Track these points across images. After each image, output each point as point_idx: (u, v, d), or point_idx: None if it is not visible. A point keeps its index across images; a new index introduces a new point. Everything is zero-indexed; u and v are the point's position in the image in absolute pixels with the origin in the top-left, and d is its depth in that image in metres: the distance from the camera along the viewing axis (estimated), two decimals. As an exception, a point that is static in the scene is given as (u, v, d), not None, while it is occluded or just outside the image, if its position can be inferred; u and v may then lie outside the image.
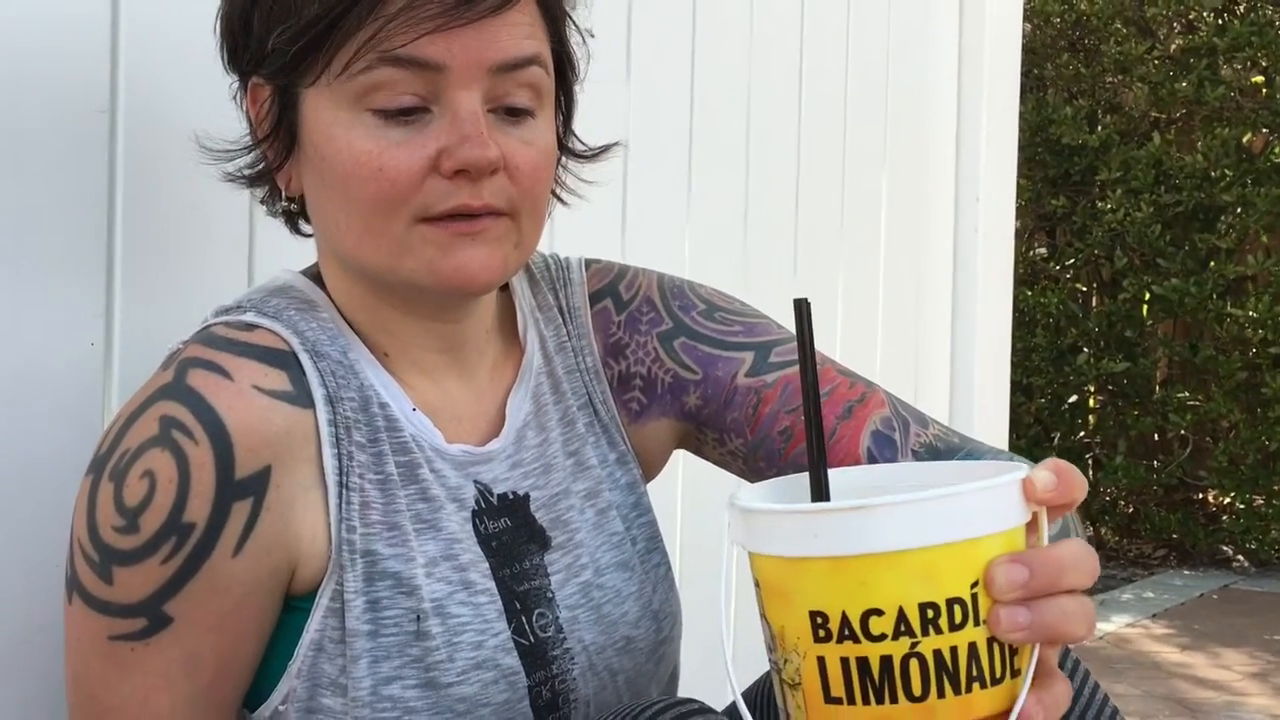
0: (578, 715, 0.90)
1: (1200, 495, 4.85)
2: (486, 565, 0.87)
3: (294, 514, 0.81)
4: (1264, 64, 4.49)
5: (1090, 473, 4.79)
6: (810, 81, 1.97)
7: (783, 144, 1.93)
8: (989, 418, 2.44)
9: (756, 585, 0.66)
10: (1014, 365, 4.59)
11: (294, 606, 0.84)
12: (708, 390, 0.97)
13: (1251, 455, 4.40)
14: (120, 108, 1.02)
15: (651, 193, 1.67)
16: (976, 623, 0.61)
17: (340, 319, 0.88)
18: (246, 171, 0.90)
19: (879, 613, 0.60)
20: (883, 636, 0.60)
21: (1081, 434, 4.84)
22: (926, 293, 2.35)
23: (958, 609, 0.61)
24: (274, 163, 0.87)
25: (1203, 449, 4.62)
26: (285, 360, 0.83)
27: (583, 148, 0.96)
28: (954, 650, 0.61)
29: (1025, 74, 4.75)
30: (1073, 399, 4.77)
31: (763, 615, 0.65)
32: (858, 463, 0.92)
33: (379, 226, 0.82)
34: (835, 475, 0.69)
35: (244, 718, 0.86)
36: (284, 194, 0.89)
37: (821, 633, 0.61)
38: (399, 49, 0.79)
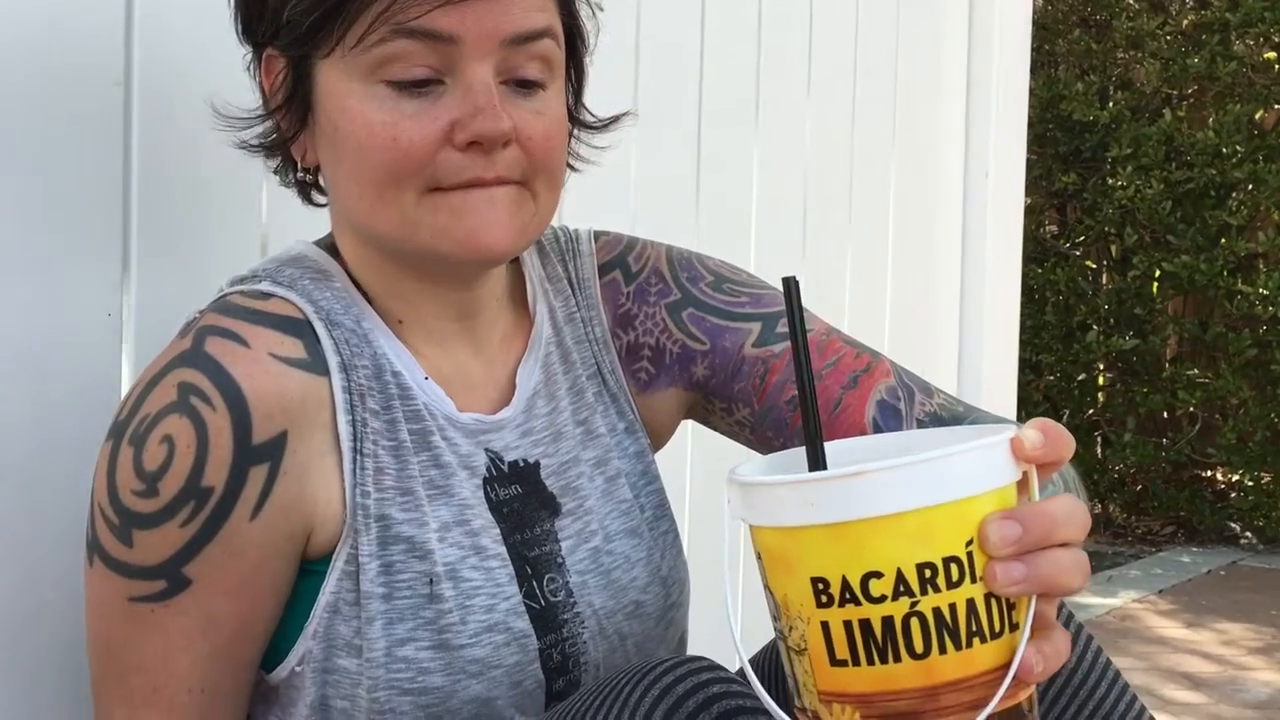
0: (588, 678, 0.91)
1: (1208, 472, 4.85)
2: (498, 531, 0.89)
3: (310, 479, 0.83)
4: (1276, 40, 4.46)
5: (1099, 450, 4.80)
6: (819, 58, 1.97)
7: (791, 121, 1.93)
8: (997, 395, 2.45)
9: (759, 557, 0.67)
10: (1023, 342, 4.60)
11: (309, 570, 0.85)
12: (715, 360, 0.98)
13: (1260, 432, 4.40)
14: (135, 80, 1.03)
15: (660, 170, 1.67)
16: (973, 580, 0.63)
17: (354, 288, 0.90)
18: (260, 141, 0.91)
19: (878, 575, 0.62)
20: (883, 598, 0.62)
21: (1090, 411, 4.84)
22: (935, 269, 2.35)
23: (954, 567, 0.62)
24: (288, 133, 0.88)
25: (1211, 426, 4.62)
26: (300, 328, 0.85)
27: (593, 118, 0.97)
28: (953, 607, 0.62)
29: (1036, 50, 4.73)
30: (1082, 376, 4.77)
31: (766, 586, 0.67)
32: (863, 432, 0.93)
33: (391, 197, 0.83)
34: (831, 447, 0.71)
35: (260, 679, 0.88)
36: (299, 165, 0.90)
37: (824, 598, 0.63)
38: (413, 21, 0.81)
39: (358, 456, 0.84)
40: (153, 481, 0.80)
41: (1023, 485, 0.66)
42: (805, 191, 1.96)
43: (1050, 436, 0.66)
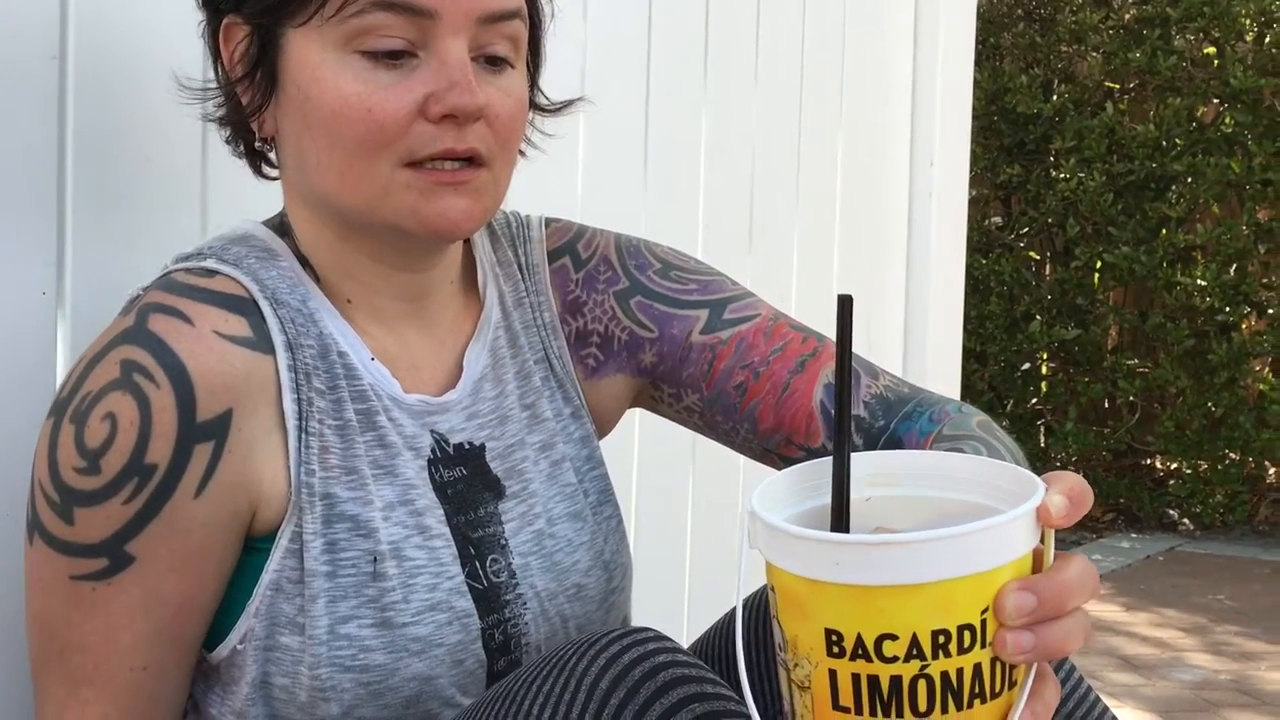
0: (529, 659, 0.92)
1: (1148, 460, 4.94)
2: (441, 512, 0.89)
3: (255, 457, 0.83)
4: (1216, 35, 4.54)
5: (1041, 438, 4.86)
6: (766, 46, 1.98)
7: (739, 108, 1.94)
8: (941, 383, 2.47)
9: (771, 589, 0.67)
10: (968, 332, 4.66)
11: (253, 547, 0.85)
12: (663, 347, 0.99)
13: (1197, 421, 4.49)
14: (71, 54, 1.01)
15: (607, 154, 1.67)
16: (983, 645, 0.63)
17: (300, 268, 0.89)
18: (216, 113, 0.91)
19: (893, 637, 0.62)
20: (895, 659, 0.62)
21: (1034, 400, 4.90)
22: (881, 258, 2.37)
23: (967, 634, 0.63)
24: (251, 104, 0.87)
25: (1151, 415, 4.70)
26: (245, 307, 0.84)
27: (547, 101, 0.98)
28: (960, 671, 0.63)
29: (982, 43, 4.79)
30: (1025, 366, 4.83)
31: (775, 617, 0.67)
32: (811, 414, 0.95)
33: (362, 168, 0.84)
34: (859, 461, 0.70)
35: (201, 658, 0.87)
36: (257, 136, 0.90)
37: (835, 649, 0.63)
38: None
39: (303, 435, 0.84)
40: (95, 459, 0.79)
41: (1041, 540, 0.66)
42: (752, 180, 1.97)
43: (1075, 501, 0.66)
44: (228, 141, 0.93)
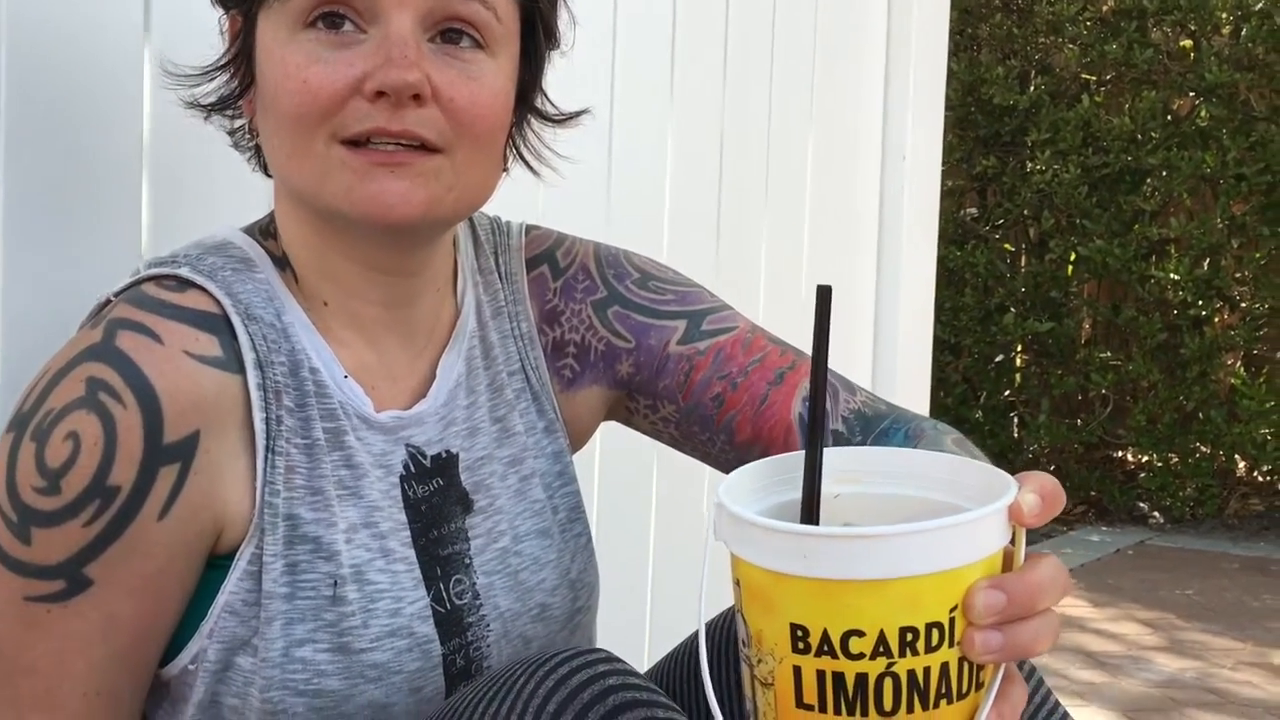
0: None
1: (1119, 453, 4.96)
2: (407, 533, 0.87)
3: (222, 478, 0.81)
4: (1192, 28, 4.54)
5: (1014, 431, 4.87)
6: (736, 33, 1.95)
7: (708, 97, 1.91)
8: (912, 375, 2.46)
9: (736, 584, 0.66)
10: (942, 324, 4.66)
11: (213, 564, 0.83)
12: (640, 358, 0.98)
13: (1168, 415, 4.50)
14: (3, 43, 0.97)
15: (569, 147, 1.64)
16: (951, 644, 0.62)
17: (277, 278, 0.87)
18: (206, 101, 0.90)
19: (860, 634, 0.61)
20: (861, 655, 0.61)
21: (1007, 393, 4.91)
22: (851, 250, 2.35)
23: (935, 632, 0.62)
24: (229, 94, 0.87)
25: (1123, 408, 4.72)
26: (216, 324, 0.82)
27: (553, 110, 0.94)
28: (927, 670, 0.62)
29: (959, 33, 4.77)
30: (999, 358, 4.83)
31: (739, 611, 0.66)
32: (789, 427, 0.93)
33: (302, 145, 0.81)
34: (827, 456, 0.69)
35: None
36: (249, 127, 0.89)
37: (801, 645, 0.62)
38: None
39: (269, 455, 0.82)
40: (55, 479, 0.76)
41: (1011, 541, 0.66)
42: (720, 170, 1.94)
43: (1048, 500, 0.65)
44: (231, 133, 0.91)
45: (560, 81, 1.42)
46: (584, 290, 0.99)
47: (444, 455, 0.91)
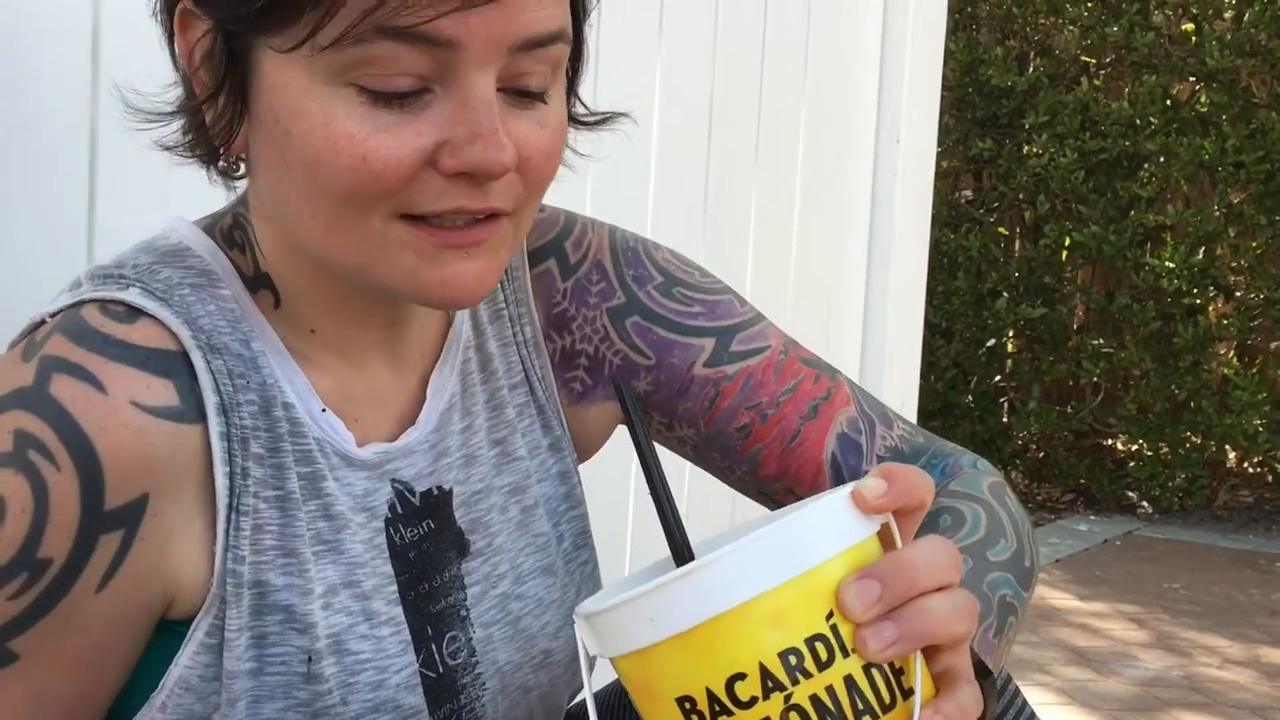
0: None
1: (1109, 442, 4.92)
2: (393, 588, 0.77)
3: (173, 544, 0.70)
4: (1194, 11, 4.47)
5: (1005, 417, 4.83)
6: (728, 6, 1.88)
7: (697, 73, 1.85)
8: (902, 359, 2.41)
9: (626, 694, 0.61)
10: (934, 308, 4.60)
11: (168, 628, 0.73)
12: (660, 376, 0.87)
13: (1160, 404, 4.46)
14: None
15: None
16: (845, 654, 0.57)
17: (248, 299, 0.74)
18: (176, 126, 0.74)
19: (741, 676, 0.56)
20: (754, 700, 0.56)
21: (998, 378, 4.87)
22: (842, 231, 2.29)
23: (820, 646, 0.56)
24: (216, 124, 0.71)
25: (1114, 397, 4.67)
26: (171, 365, 0.70)
27: (586, 113, 0.83)
28: (830, 690, 0.56)
29: (959, 12, 4.69)
30: (991, 343, 4.78)
31: (641, 714, 0.61)
32: (819, 467, 0.86)
33: (350, 222, 0.68)
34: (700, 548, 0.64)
35: None
36: (223, 152, 0.73)
37: (694, 718, 0.57)
38: (408, 25, 0.64)
39: (232, 514, 0.71)
40: None
41: (888, 540, 0.60)
42: (709, 146, 1.88)
43: (896, 482, 0.59)
44: (184, 153, 0.75)
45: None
46: (599, 294, 0.87)
47: (435, 492, 0.80)
